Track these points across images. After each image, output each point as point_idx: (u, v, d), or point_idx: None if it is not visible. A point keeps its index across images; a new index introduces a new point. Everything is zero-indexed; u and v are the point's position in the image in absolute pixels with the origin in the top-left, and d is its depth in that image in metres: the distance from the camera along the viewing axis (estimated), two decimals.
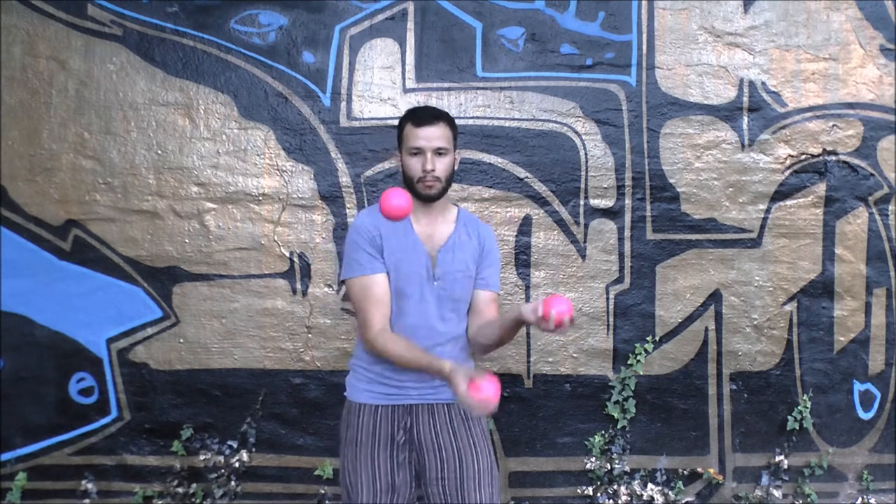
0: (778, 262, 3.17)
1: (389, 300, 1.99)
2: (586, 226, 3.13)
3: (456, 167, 2.06)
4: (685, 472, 3.17)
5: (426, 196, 1.99)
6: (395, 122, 2.07)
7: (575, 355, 3.13)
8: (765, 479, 3.19)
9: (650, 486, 3.15)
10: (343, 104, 3.08)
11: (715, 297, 3.16)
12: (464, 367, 1.78)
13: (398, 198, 1.86)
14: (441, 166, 1.98)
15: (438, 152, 1.98)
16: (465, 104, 3.10)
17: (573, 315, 1.74)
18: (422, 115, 2.00)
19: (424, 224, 2.04)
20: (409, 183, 2.01)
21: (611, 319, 3.14)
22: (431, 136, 1.97)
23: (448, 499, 1.98)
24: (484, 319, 2.07)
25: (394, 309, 2.00)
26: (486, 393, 1.66)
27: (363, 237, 2.00)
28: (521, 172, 3.10)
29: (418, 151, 1.97)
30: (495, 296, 2.12)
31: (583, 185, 3.12)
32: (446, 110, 3.02)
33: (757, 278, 3.17)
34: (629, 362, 3.12)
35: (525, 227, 3.11)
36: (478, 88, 3.10)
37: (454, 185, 3.07)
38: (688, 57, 3.15)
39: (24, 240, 3.02)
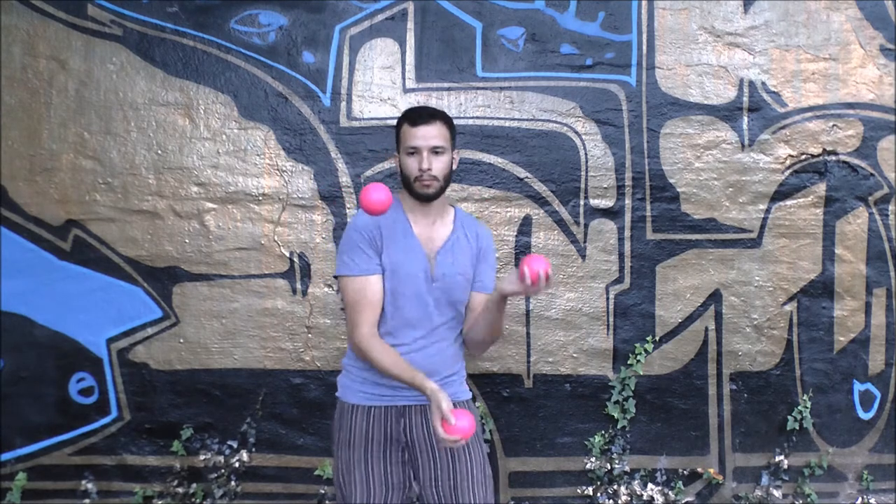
0: (778, 262, 3.17)
1: (381, 302, 1.97)
2: (586, 226, 3.13)
3: (454, 167, 2.05)
4: (685, 472, 3.17)
5: (424, 195, 1.98)
6: (396, 123, 2.07)
7: (575, 355, 3.13)
8: (765, 479, 3.19)
9: (650, 486, 3.15)
10: (343, 104, 3.08)
11: (715, 297, 3.16)
12: (444, 396, 1.76)
13: (378, 192, 1.82)
14: (438, 165, 1.97)
15: (435, 151, 1.96)
16: (465, 104, 3.10)
17: (549, 270, 1.78)
18: (418, 115, 1.99)
19: (423, 225, 2.03)
20: (406, 183, 2.00)
21: (611, 319, 3.14)
22: (428, 134, 1.96)
23: (443, 499, 1.98)
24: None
25: (391, 307, 1.99)
26: (460, 432, 1.72)
27: (363, 236, 1.97)
28: (521, 172, 3.10)
29: (415, 151, 1.96)
30: (489, 297, 2.10)
31: (583, 185, 3.12)
32: (444, 110, 3.07)
33: (757, 278, 3.17)
34: (629, 362, 3.12)
35: (525, 227, 3.11)
36: (478, 88, 3.10)
37: (454, 185, 3.07)
38: (688, 57, 3.15)
39: (24, 240, 3.02)
